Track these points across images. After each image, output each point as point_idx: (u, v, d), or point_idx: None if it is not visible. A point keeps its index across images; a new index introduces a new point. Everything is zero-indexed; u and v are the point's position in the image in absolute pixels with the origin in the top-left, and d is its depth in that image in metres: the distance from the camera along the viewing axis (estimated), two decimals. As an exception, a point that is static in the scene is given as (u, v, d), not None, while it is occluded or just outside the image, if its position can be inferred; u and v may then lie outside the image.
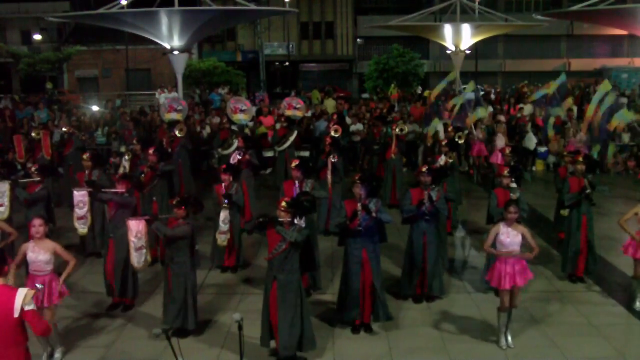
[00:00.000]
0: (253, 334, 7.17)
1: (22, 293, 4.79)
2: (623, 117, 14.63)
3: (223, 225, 9.50)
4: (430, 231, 8.51)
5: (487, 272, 7.93)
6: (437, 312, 8.42)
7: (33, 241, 6.92)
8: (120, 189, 8.69)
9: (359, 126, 17.60)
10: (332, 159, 11.27)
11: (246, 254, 10.51)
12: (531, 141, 17.12)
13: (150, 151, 11.12)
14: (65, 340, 7.47)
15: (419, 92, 29.06)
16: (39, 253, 6.85)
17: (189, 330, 7.70)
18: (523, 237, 7.35)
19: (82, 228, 9.67)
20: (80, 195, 9.43)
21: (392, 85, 27.32)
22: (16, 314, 4.74)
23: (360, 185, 7.69)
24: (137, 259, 7.87)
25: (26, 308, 4.76)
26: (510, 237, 7.25)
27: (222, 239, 9.58)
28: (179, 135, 13.75)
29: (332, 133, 12.02)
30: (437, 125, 15.45)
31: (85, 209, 9.52)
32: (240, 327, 5.22)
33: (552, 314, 8.35)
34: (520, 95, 22.54)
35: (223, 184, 9.79)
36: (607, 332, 7.78)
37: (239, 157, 11.83)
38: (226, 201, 9.52)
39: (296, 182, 9.20)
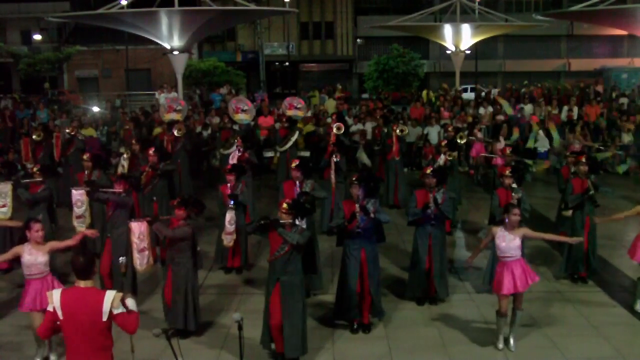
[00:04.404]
0: (253, 334, 7.16)
1: (110, 296, 4.70)
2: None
3: (229, 226, 9.46)
4: (435, 234, 8.49)
5: (489, 276, 7.90)
6: (437, 313, 8.42)
7: (29, 244, 6.87)
8: (118, 188, 8.70)
9: (359, 126, 17.58)
10: (335, 158, 11.25)
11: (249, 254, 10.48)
12: (544, 142, 17.19)
13: (151, 151, 11.12)
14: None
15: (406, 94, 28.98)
16: (38, 255, 6.83)
17: (190, 331, 7.70)
18: (524, 238, 7.33)
19: (80, 227, 9.68)
20: (78, 194, 9.44)
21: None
22: (104, 318, 4.66)
23: (358, 186, 7.67)
24: (140, 260, 7.87)
25: (115, 312, 4.68)
26: (506, 241, 7.17)
27: (228, 240, 9.55)
28: (177, 135, 13.76)
29: (335, 130, 11.98)
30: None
31: (83, 208, 9.53)
32: (240, 328, 5.22)
33: (552, 314, 8.35)
34: (520, 95, 22.56)
35: (228, 185, 9.76)
36: (607, 332, 7.77)
37: (238, 154, 11.83)
38: (232, 202, 9.49)
39: (296, 182, 9.19)
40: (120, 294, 4.77)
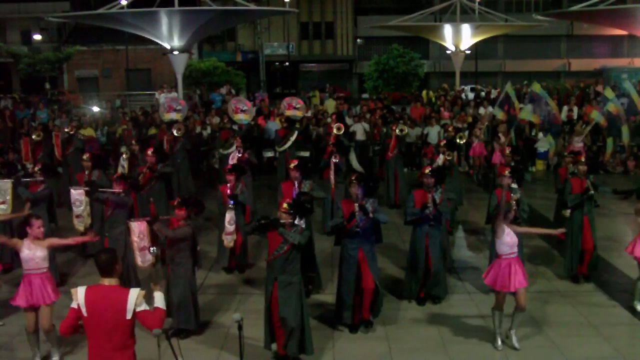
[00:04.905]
0: (253, 334, 7.16)
1: (134, 294, 4.72)
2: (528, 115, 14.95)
3: (229, 226, 9.45)
4: (432, 233, 8.49)
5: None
6: (437, 312, 8.42)
7: (28, 239, 6.91)
8: (117, 189, 8.71)
9: (357, 126, 17.55)
10: (335, 159, 11.25)
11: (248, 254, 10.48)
12: (543, 142, 17.25)
13: (149, 152, 11.11)
14: (65, 340, 7.46)
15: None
16: (36, 250, 6.86)
17: (190, 331, 7.70)
18: (519, 234, 7.37)
19: (79, 226, 9.68)
20: (77, 194, 9.44)
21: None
22: (129, 316, 4.68)
23: (357, 186, 7.67)
24: (142, 258, 7.88)
25: (138, 309, 4.70)
26: (511, 237, 7.22)
27: (228, 240, 9.54)
28: (176, 134, 13.75)
29: (335, 131, 12.00)
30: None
31: (82, 207, 9.53)
32: (240, 328, 5.22)
33: (552, 314, 8.35)
34: (521, 95, 22.53)
35: (228, 185, 9.75)
36: (607, 332, 7.77)
37: (238, 155, 11.83)
38: (232, 202, 9.48)
39: (295, 182, 9.19)
40: (144, 292, 4.78)
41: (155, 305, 4.88)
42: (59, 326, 7.17)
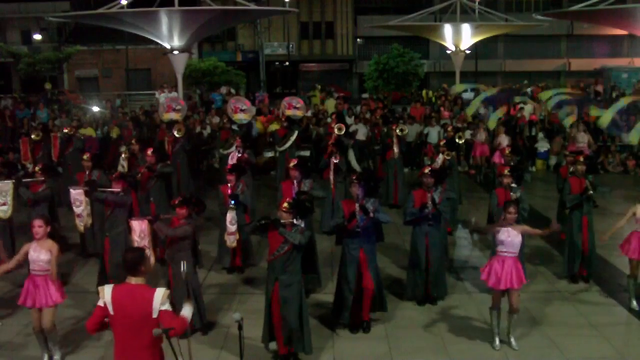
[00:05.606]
0: (253, 334, 7.17)
1: (159, 293, 4.74)
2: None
3: (231, 227, 9.43)
4: (432, 233, 8.48)
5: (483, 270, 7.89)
6: (437, 312, 8.42)
7: (35, 241, 6.92)
8: (117, 188, 8.70)
9: (359, 126, 17.56)
10: (334, 159, 11.24)
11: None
12: (543, 142, 17.29)
13: (149, 152, 11.10)
14: (66, 340, 7.48)
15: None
16: (41, 252, 6.86)
17: (194, 330, 7.70)
18: (523, 236, 7.35)
19: (80, 225, 9.68)
20: (76, 194, 9.42)
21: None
22: (155, 315, 4.70)
23: (358, 185, 7.67)
24: None
25: (162, 308, 4.71)
26: (510, 236, 7.21)
27: (231, 240, 9.52)
28: (177, 135, 13.74)
29: (336, 131, 11.99)
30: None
31: (82, 207, 9.51)
32: (240, 327, 5.22)
33: (552, 314, 8.35)
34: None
35: (229, 185, 9.74)
36: (607, 332, 7.78)
37: (238, 155, 11.83)
38: (232, 202, 9.48)
39: (295, 182, 9.19)
40: (168, 291, 4.82)
41: (182, 313, 4.92)
42: (60, 326, 7.28)
